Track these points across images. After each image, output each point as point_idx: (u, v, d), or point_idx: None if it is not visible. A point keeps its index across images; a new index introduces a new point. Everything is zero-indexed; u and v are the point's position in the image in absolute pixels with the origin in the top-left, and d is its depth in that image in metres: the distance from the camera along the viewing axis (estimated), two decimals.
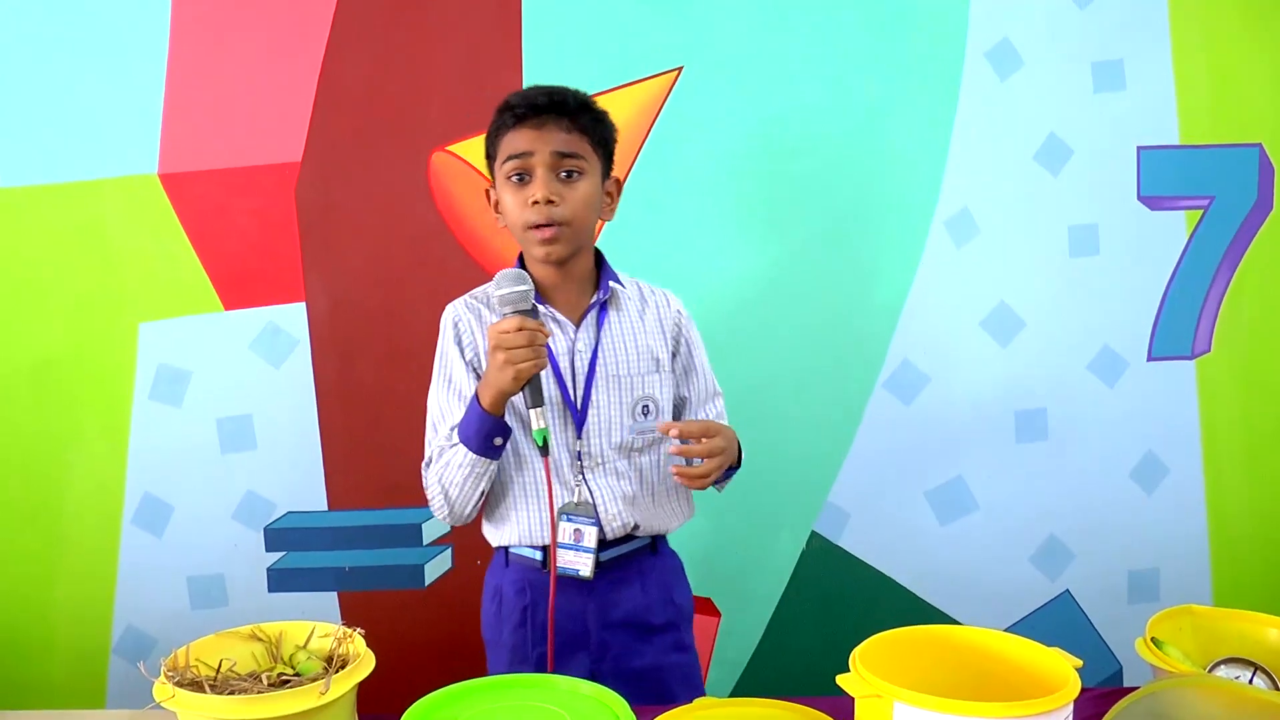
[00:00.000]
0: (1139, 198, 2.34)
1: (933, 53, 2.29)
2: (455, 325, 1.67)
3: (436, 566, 2.30)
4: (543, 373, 1.56)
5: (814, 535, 2.35)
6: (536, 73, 2.23)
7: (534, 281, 1.60)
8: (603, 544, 1.61)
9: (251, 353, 2.24)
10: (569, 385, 1.63)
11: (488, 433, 1.54)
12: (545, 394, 1.57)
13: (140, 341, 2.22)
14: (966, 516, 2.37)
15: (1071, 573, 2.40)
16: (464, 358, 1.65)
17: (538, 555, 1.64)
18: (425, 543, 2.28)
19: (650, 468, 1.67)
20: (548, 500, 1.57)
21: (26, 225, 2.19)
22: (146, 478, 2.24)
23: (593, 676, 1.63)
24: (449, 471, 1.58)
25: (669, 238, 2.25)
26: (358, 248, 2.24)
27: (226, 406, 2.25)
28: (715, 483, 1.64)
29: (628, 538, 1.66)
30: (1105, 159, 2.33)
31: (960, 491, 2.36)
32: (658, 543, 1.72)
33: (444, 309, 1.71)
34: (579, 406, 1.63)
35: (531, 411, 1.51)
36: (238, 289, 2.24)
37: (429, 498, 1.65)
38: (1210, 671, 1.37)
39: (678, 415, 1.75)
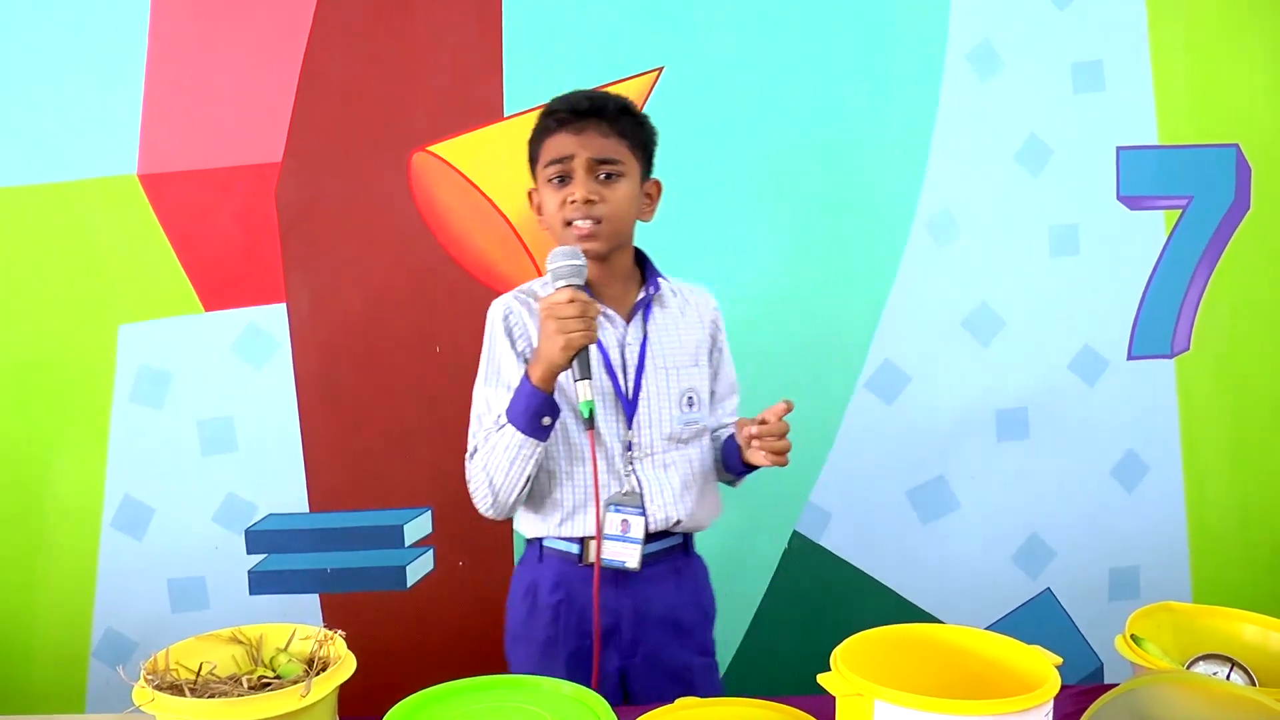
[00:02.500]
0: (1118, 197, 2.35)
1: (913, 54, 2.30)
2: (506, 318, 1.68)
3: (419, 568, 2.29)
4: (594, 362, 1.61)
5: (796, 535, 2.35)
6: (518, 73, 2.22)
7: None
8: (646, 537, 1.64)
9: (232, 354, 2.23)
10: (620, 377, 1.67)
11: (536, 410, 1.55)
12: (599, 386, 1.62)
13: (120, 343, 2.21)
14: (948, 515, 2.38)
15: (1052, 571, 2.41)
16: (515, 349, 1.67)
17: (574, 549, 1.66)
18: (407, 544, 2.28)
19: (696, 459, 1.71)
20: (594, 485, 1.59)
21: (5, 226, 2.17)
22: (127, 480, 2.23)
23: (623, 671, 1.69)
24: (494, 456, 1.58)
25: (649, 238, 2.25)
26: (339, 248, 2.24)
27: (207, 408, 2.24)
28: (737, 476, 1.76)
29: (665, 534, 1.68)
30: (1085, 159, 2.34)
31: (942, 491, 2.37)
32: (689, 543, 1.75)
33: (490, 304, 1.72)
34: (630, 397, 1.67)
35: (579, 384, 1.54)
36: (218, 290, 2.23)
37: (471, 490, 1.64)
38: (1189, 668, 1.38)
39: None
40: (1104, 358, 2.38)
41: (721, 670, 2.35)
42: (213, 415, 2.24)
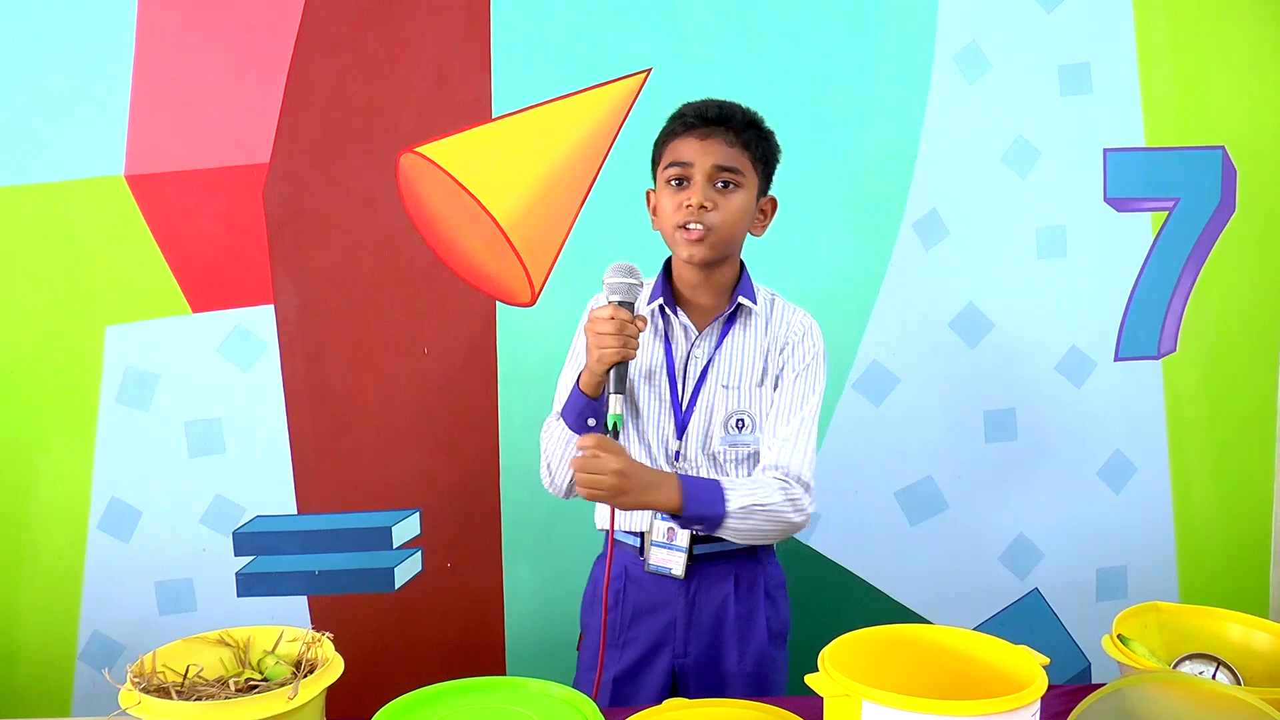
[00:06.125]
0: (1105, 199, 2.36)
1: (902, 56, 2.30)
2: (591, 311, 1.72)
3: (407, 569, 2.28)
4: (656, 371, 1.69)
5: None
6: (505, 74, 2.22)
7: (674, 286, 1.72)
8: (697, 539, 1.66)
9: (220, 355, 2.22)
10: (679, 388, 1.70)
11: (580, 410, 1.63)
12: (657, 392, 1.69)
13: (107, 344, 2.20)
14: (936, 516, 2.38)
15: (1040, 571, 2.41)
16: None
17: (636, 542, 1.70)
18: (395, 546, 2.27)
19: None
20: None
21: None
22: (114, 482, 2.22)
23: (675, 672, 1.70)
24: (552, 442, 1.68)
25: (638, 239, 2.25)
26: (326, 249, 2.23)
27: (195, 410, 2.23)
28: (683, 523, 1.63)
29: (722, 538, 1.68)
30: (1072, 161, 2.35)
31: (930, 491, 2.38)
32: (760, 550, 1.74)
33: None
34: (683, 409, 1.69)
35: (611, 396, 1.56)
36: (206, 291, 2.22)
37: (541, 460, 1.73)
38: (1175, 667, 1.39)
39: None
40: (1091, 359, 2.39)
41: None
42: (200, 417, 2.23)
